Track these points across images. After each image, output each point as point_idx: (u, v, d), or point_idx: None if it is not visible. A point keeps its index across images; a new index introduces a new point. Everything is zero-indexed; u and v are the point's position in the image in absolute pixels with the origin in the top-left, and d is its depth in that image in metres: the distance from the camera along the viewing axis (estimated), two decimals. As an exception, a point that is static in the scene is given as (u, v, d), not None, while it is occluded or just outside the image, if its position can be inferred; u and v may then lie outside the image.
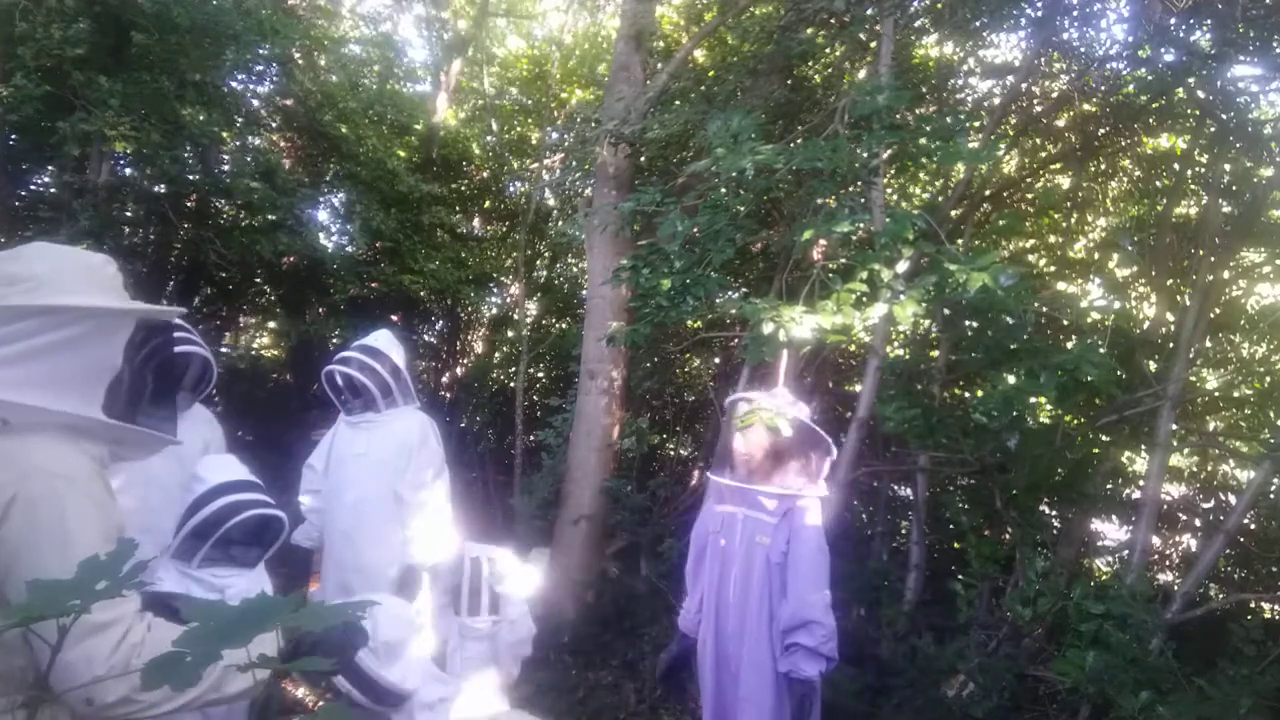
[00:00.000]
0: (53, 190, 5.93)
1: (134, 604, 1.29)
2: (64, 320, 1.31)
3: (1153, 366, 4.53)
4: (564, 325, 8.31)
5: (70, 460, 1.32)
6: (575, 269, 8.77)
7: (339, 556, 3.49)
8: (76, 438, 1.35)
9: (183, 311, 1.69)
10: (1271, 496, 4.36)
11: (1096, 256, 5.83)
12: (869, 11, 4.64)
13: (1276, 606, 4.78)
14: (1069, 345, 3.37)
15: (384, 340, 3.56)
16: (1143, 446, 4.54)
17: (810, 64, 5.71)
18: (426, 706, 2.18)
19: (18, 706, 1.23)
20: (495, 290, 8.96)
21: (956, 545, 5.21)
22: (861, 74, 5.65)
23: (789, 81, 5.51)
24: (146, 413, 1.48)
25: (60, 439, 1.32)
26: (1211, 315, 4.57)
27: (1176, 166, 5.23)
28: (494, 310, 9.15)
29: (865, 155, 3.67)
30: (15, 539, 1.23)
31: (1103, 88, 5.17)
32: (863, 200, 4.09)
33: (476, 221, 9.41)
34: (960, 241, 5.00)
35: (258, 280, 7.99)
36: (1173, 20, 4.15)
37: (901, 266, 3.20)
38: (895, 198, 6.11)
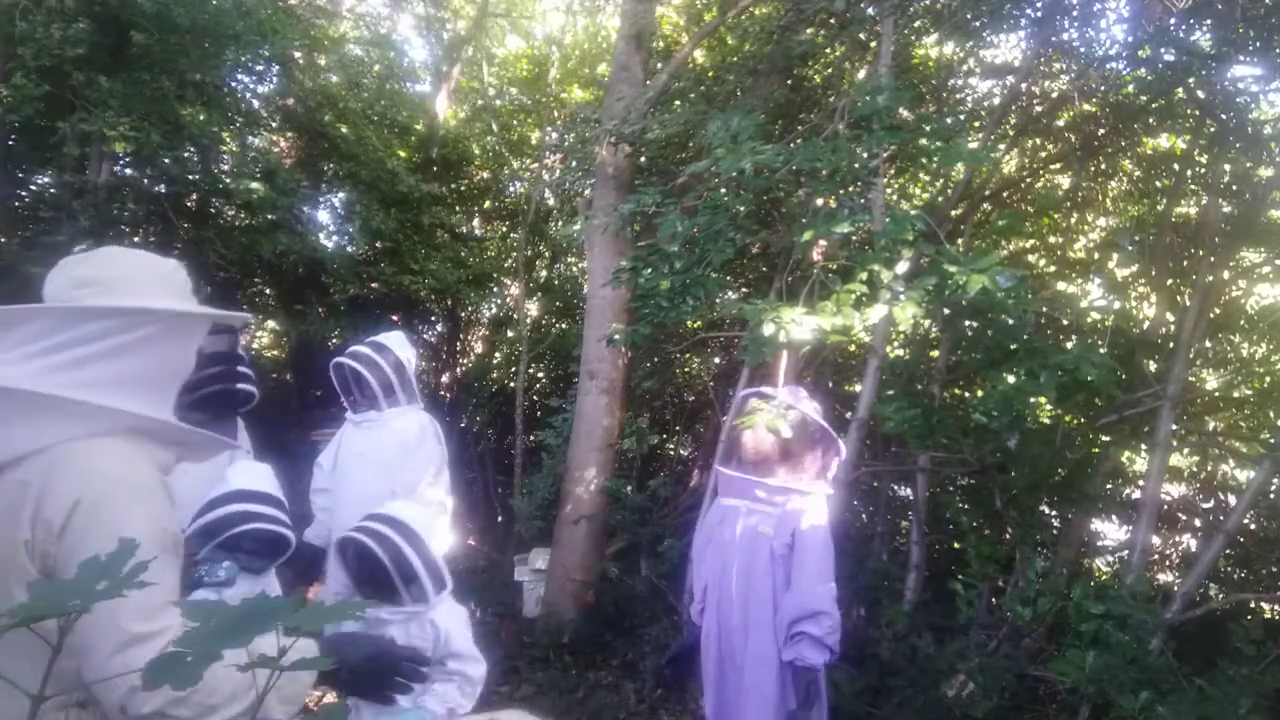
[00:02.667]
0: (53, 190, 5.93)
1: (178, 616, 1.27)
2: (137, 322, 1.33)
3: (1153, 366, 4.53)
4: (564, 325, 8.31)
5: (136, 468, 1.32)
6: (575, 269, 8.77)
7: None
8: (143, 442, 1.35)
9: (251, 318, 1.72)
10: (1271, 496, 4.36)
11: (1096, 256, 5.83)
12: (869, 11, 4.64)
13: (1276, 606, 4.77)
14: (1069, 345, 3.37)
15: (394, 340, 3.58)
16: (1143, 446, 4.54)
17: (810, 64, 5.70)
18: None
19: (73, 705, 1.25)
20: (495, 290, 8.96)
21: (956, 545, 5.21)
22: (861, 74, 5.65)
23: (789, 81, 5.51)
24: (210, 416, 1.49)
25: (128, 444, 1.32)
26: (1211, 315, 4.57)
27: (1176, 166, 5.23)
28: (494, 310, 9.15)
29: (865, 155, 3.67)
30: (73, 542, 1.23)
31: (1103, 88, 5.17)
32: (863, 200, 4.09)
33: (476, 221, 9.41)
34: (960, 241, 5.01)
35: (258, 280, 7.98)
36: (1173, 20, 4.15)
37: (901, 267, 3.20)
38: (895, 198, 6.11)
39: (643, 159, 5.73)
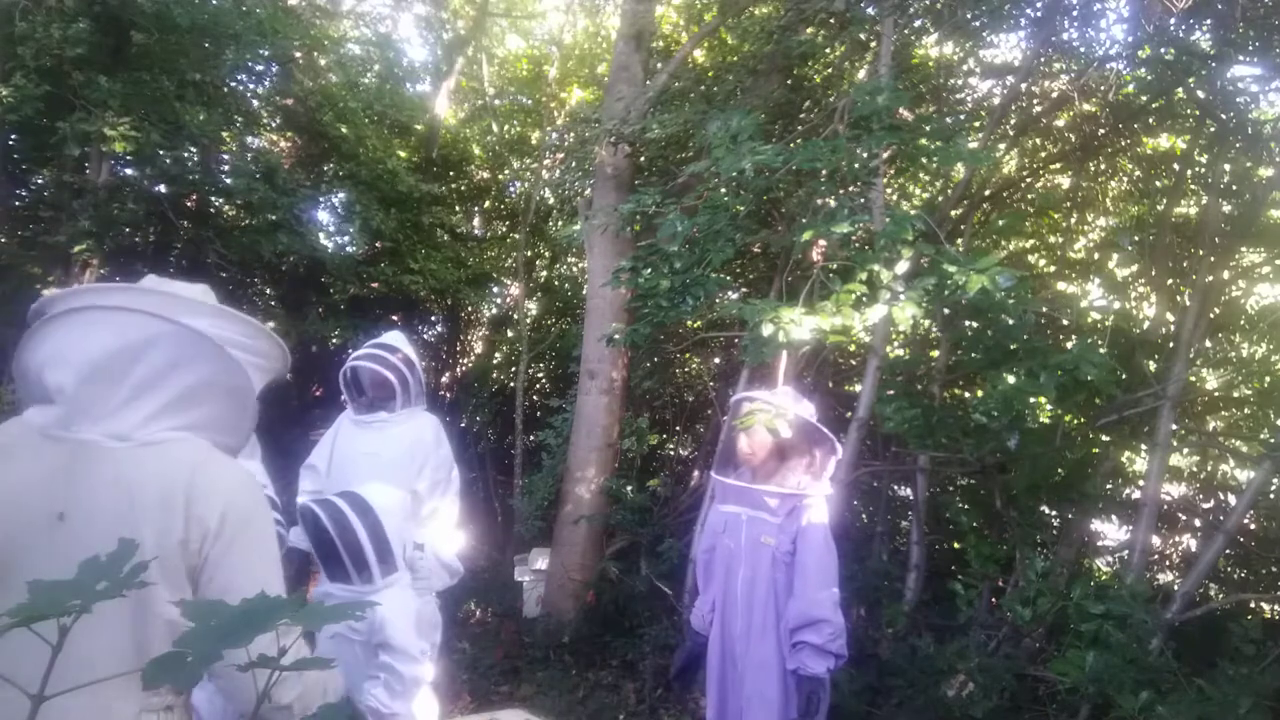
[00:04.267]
0: (53, 190, 5.93)
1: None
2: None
3: (1153, 366, 4.53)
4: (564, 325, 8.31)
5: (254, 479, 1.45)
6: (575, 269, 8.77)
7: (344, 557, 3.50)
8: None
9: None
10: (1271, 496, 4.36)
11: (1096, 256, 5.83)
12: (869, 11, 4.64)
13: (1276, 606, 4.77)
14: (1069, 345, 3.37)
15: (398, 339, 3.60)
16: (1143, 446, 4.54)
17: (810, 64, 5.70)
18: None
19: (161, 709, 1.29)
20: (495, 290, 8.95)
21: (956, 545, 5.21)
22: (861, 74, 5.65)
23: (789, 81, 5.51)
24: None
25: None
26: (1211, 315, 4.57)
27: (1176, 166, 5.23)
28: (494, 310, 9.15)
29: (865, 155, 3.67)
30: (225, 547, 1.32)
31: (1103, 88, 5.17)
32: (863, 200, 4.09)
33: (476, 221, 9.41)
34: (960, 241, 5.01)
35: (258, 280, 7.98)
36: (1173, 20, 4.15)
37: (901, 267, 3.20)
38: (895, 198, 6.11)
39: (643, 159, 5.73)
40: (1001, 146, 5.46)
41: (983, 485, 4.72)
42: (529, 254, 8.45)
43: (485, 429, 8.11)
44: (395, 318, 8.02)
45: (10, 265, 5.52)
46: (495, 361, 8.84)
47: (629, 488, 5.39)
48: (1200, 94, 4.54)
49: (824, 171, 3.52)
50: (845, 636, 2.66)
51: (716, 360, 6.84)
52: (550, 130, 8.21)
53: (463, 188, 8.92)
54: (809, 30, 5.11)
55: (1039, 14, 4.68)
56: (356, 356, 3.52)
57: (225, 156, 6.85)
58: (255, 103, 7.22)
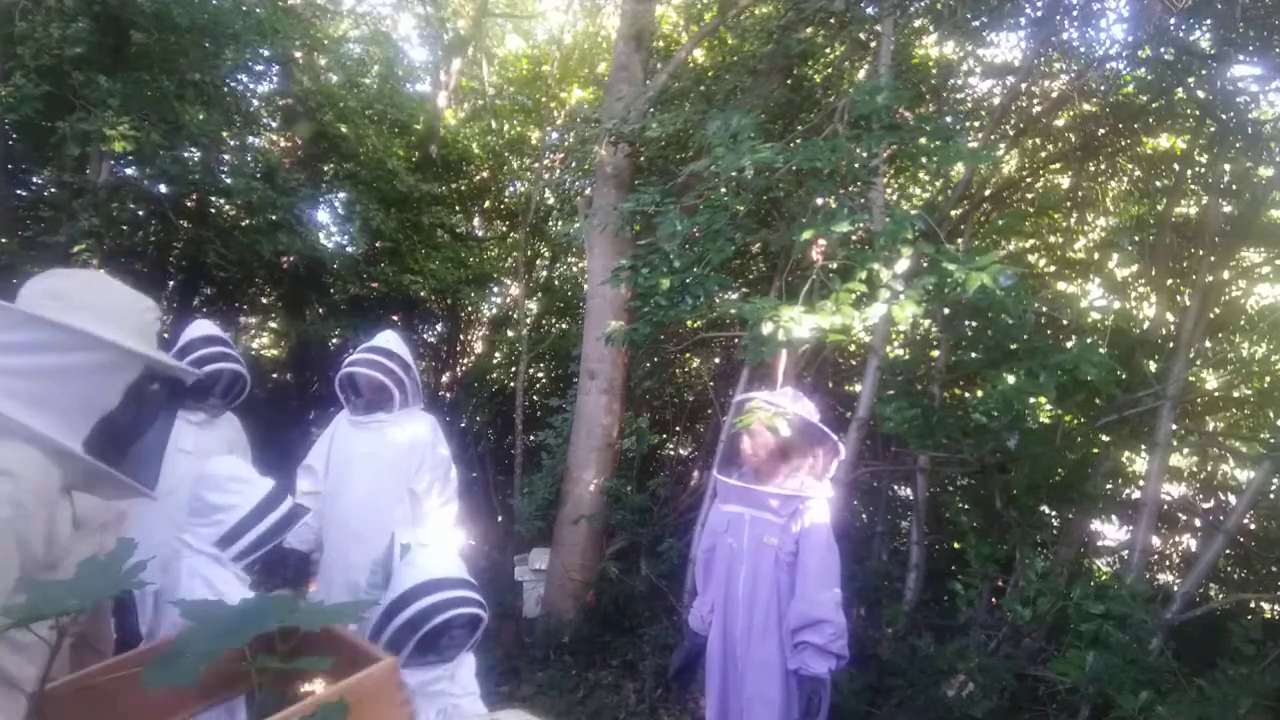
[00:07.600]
0: (53, 190, 5.92)
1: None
2: (76, 345, 1.34)
3: (1153, 366, 4.53)
4: (564, 325, 8.30)
5: (28, 474, 1.30)
6: (575, 269, 8.77)
7: (346, 557, 3.47)
8: (54, 463, 1.35)
9: (198, 374, 1.71)
10: (1271, 496, 4.36)
11: (1096, 256, 5.83)
12: (869, 11, 4.64)
13: (1276, 606, 4.77)
14: (1069, 345, 3.37)
15: (394, 341, 3.60)
16: (1143, 446, 4.54)
17: (810, 64, 5.70)
18: None
19: None
20: (495, 290, 8.95)
21: (956, 545, 5.21)
22: (861, 74, 5.65)
23: (789, 81, 5.51)
24: (130, 458, 1.45)
25: (38, 452, 1.33)
26: (1211, 315, 4.57)
27: (1176, 166, 5.23)
28: (494, 310, 9.15)
29: (865, 155, 3.67)
30: None
31: (1103, 88, 5.17)
32: (863, 200, 4.09)
33: (476, 221, 9.41)
34: (960, 241, 5.01)
35: (258, 280, 7.98)
36: (1173, 20, 4.15)
37: (901, 266, 3.20)
38: (895, 198, 6.11)
39: (642, 158, 5.73)
40: (1001, 146, 5.46)
41: (983, 485, 4.72)
42: (529, 254, 8.44)
43: (485, 429, 8.10)
44: (395, 318, 8.03)
45: (10, 265, 5.52)
46: (495, 361, 8.83)
47: (629, 488, 5.39)
48: (1200, 94, 4.54)
49: (824, 171, 3.52)
50: (847, 637, 2.66)
51: (716, 360, 6.84)
52: (550, 130, 8.21)
53: (463, 188, 8.92)
54: (809, 30, 5.11)
55: (1039, 14, 4.68)
56: (351, 361, 3.53)
57: (225, 156, 6.85)
58: (255, 103, 7.22)
